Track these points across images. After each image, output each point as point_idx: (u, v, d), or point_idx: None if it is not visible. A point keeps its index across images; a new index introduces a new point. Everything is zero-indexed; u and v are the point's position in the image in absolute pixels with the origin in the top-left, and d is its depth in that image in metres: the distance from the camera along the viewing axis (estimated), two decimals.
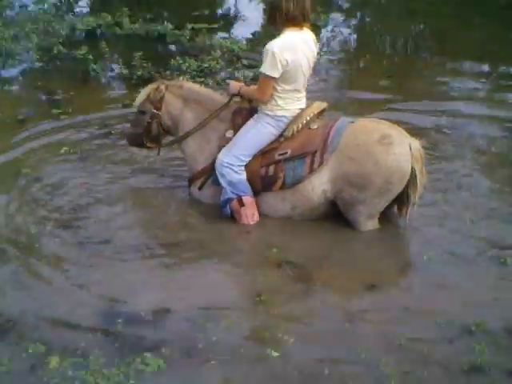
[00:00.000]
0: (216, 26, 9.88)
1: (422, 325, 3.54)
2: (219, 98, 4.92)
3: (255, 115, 4.48)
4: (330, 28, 10.18)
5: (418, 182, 4.30)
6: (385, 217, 4.51)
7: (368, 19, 11.70)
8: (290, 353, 3.31)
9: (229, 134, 4.61)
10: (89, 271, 3.99)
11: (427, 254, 4.20)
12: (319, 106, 4.55)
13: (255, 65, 7.99)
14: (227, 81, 5.13)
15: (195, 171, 4.79)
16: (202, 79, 7.30)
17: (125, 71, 7.54)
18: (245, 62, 8.19)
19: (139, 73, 7.51)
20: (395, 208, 4.54)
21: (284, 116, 4.41)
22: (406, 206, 4.42)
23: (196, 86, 5.07)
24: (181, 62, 7.94)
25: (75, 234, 4.41)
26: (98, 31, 9.26)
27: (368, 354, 3.28)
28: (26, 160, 5.50)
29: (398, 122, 4.69)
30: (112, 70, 7.66)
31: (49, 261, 4.08)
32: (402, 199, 4.41)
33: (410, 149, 4.28)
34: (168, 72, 7.58)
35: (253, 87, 4.62)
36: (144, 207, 4.86)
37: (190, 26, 9.49)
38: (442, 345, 3.37)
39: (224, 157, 4.46)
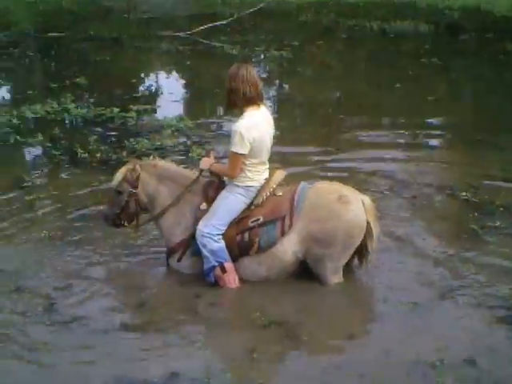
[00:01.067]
0: (152, 106, 10.50)
1: (397, 366, 4.03)
2: (190, 173, 5.34)
3: (227, 187, 4.94)
4: None
5: (373, 232, 4.88)
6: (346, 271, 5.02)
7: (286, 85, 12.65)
8: None
9: (203, 206, 5.01)
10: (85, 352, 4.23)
11: (392, 302, 4.73)
12: (281, 174, 5.07)
13: (204, 142, 8.62)
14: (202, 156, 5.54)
15: (173, 244, 5.13)
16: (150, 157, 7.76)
17: (84, 155, 7.95)
18: (194, 138, 8.77)
19: (98, 155, 7.94)
20: (353, 262, 5.08)
21: (253, 186, 4.89)
22: (364, 256, 4.97)
23: (168, 164, 5.46)
24: (134, 143, 8.45)
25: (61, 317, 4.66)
26: (48, 118, 9.66)
27: None
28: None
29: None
30: (72, 154, 8.04)
31: (44, 347, 4.28)
32: (360, 251, 4.96)
33: (363, 204, 4.88)
34: (124, 153, 8.05)
35: (222, 165, 5.10)
36: (126, 286, 5.16)
37: (134, 107, 10.09)
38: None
39: (204, 227, 4.86)
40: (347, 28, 16.96)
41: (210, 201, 5.01)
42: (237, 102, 4.76)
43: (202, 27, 16.09)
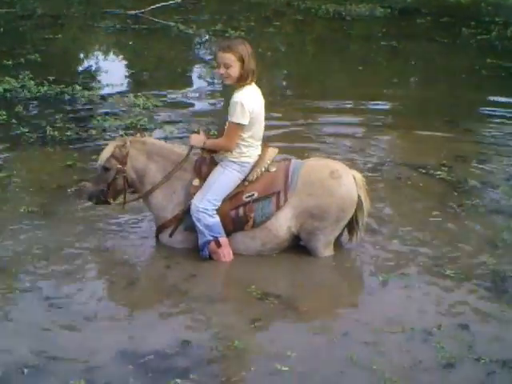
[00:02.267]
0: (115, 84, 10.48)
1: (394, 332, 4.30)
2: (179, 150, 5.45)
3: (221, 163, 5.09)
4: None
5: (363, 206, 5.14)
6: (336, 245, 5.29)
7: None
8: (297, 366, 3.92)
9: (195, 182, 5.15)
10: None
11: (382, 273, 5.00)
12: (274, 151, 5.26)
13: (176, 120, 8.71)
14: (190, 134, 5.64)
15: (164, 220, 5.26)
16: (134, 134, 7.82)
17: (53, 133, 7.92)
18: (164, 117, 8.85)
19: (68, 133, 7.94)
20: (343, 236, 5.35)
21: (247, 162, 5.07)
22: (355, 230, 5.24)
23: (157, 141, 5.60)
24: (102, 121, 8.47)
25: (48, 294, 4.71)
26: (8, 96, 9.54)
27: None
28: None
29: None
30: (41, 132, 8.00)
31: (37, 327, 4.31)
32: (352, 225, 5.22)
33: (354, 179, 5.12)
34: (94, 131, 8.08)
35: (216, 139, 5.25)
36: (114, 262, 5.23)
37: (96, 85, 10.07)
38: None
39: (199, 203, 5.01)
40: (302, 9, 17.14)
41: (203, 177, 5.15)
42: (247, 77, 4.91)
43: (154, 6, 15.99)
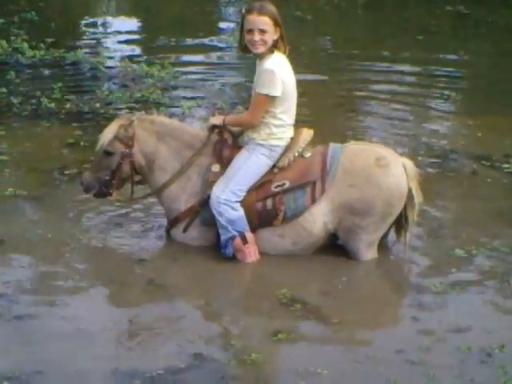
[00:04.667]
0: (123, 50, 10.63)
1: (446, 351, 4.33)
2: (193, 130, 5.57)
3: (247, 146, 5.15)
4: None
5: (415, 201, 5.17)
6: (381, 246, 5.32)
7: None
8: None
9: (215, 168, 5.21)
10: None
11: (434, 287, 4.98)
12: (309, 133, 5.27)
13: (194, 96, 8.82)
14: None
15: (177, 212, 5.31)
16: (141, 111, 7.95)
17: (49, 105, 8.07)
18: (181, 91, 8.97)
19: (67, 106, 8.09)
20: (388, 236, 5.39)
21: (278, 146, 5.11)
22: (404, 228, 5.26)
23: (168, 120, 5.67)
24: (107, 93, 8.61)
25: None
26: None
27: None
28: None
29: None
30: (35, 104, 8.15)
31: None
32: (400, 222, 5.25)
33: (405, 168, 5.16)
34: (98, 105, 8.22)
35: (237, 115, 5.35)
36: (122, 259, 5.33)
37: (104, 51, 10.23)
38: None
39: (220, 193, 5.05)
40: None
41: (225, 162, 5.21)
42: (283, 44, 5.03)
43: None
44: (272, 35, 4.95)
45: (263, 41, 4.94)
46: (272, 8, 4.98)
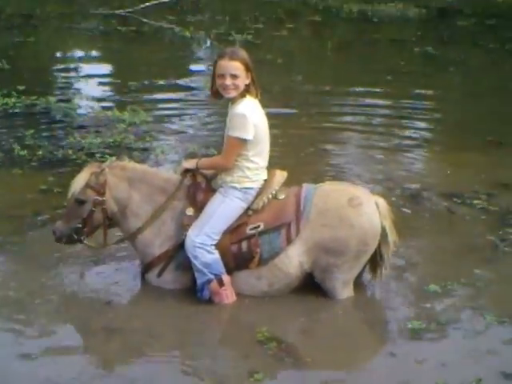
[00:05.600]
0: (95, 96, 10.70)
1: None
2: (165, 174, 5.60)
3: (221, 189, 5.19)
4: None
5: (389, 239, 5.24)
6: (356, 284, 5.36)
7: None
8: None
9: (189, 212, 5.23)
10: None
11: (409, 323, 5.01)
12: (282, 174, 5.33)
13: (165, 138, 8.90)
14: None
15: (152, 257, 5.33)
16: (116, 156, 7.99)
17: (22, 152, 8.09)
18: (153, 135, 9.03)
19: (39, 153, 8.10)
20: (363, 274, 5.44)
21: (252, 188, 5.16)
22: (379, 266, 5.33)
23: (139, 166, 5.69)
24: (79, 138, 8.65)
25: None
26: None
27: None
28: None
29: None
30: (7, 151, 8.17)
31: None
32: (375, 260, 5.31)
33: (377, 206, 5.23)
34: (70, 151, 8.24)
35: (210, 158, 5.41)
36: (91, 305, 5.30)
37: (73, 97, 10.29)
38: None
39: (195, 237, 5.07)
40: (321, 9, 17.42)
41: (199, 206, 5.24)
42: (254, 89, 5.10)
43: (144, 5, 16.26)
44: (243, 80, 5.03)
45: (235, 85, 5.01)
46: (243, 53, 5.07)
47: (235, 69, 4.98)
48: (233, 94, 5.05)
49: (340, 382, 4.42)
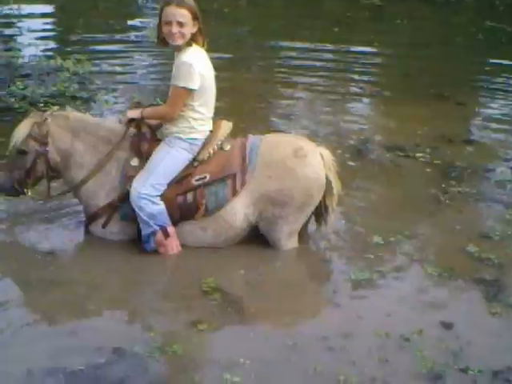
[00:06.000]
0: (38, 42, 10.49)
1: (366, 337, 4.45)
2: (109, 124, 5.53)
3: (166, 140, 5.15)
4: None
5: (333, 190, 5.29)
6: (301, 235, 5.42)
7: None
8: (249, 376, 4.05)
9: (134, 162, 5.20)
10: None
11: (353, 274, 5.10)
12: (228, 125, 5.31)
13: (109, 88, 8.78)
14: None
15: (96, 208, 5.29)
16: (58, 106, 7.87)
17: None
18: (97, 84, 8.90)
19: None
20: (308, 225, 5.50)
21: (197, 139, 5.13)
22: (324, 218, 5.39)
23: (82, 115, 5.60)
24: (22, 87, 8.48)
25: None
26: None
27: None
28: None
29: None
30: None
31: None
32: (320, 211, 5.36)
33: (322, 157, 5.26)
34: (13, 99, 8.09)
35: (154, 107, 5.35)
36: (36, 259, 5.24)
37: (16, 45, 10.06)
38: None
39: (141, 188, 5.04)
40: None
41: (144, 156, 5.21)
42: (201, 37, 5.03)
43: None
44: (190, 28, 4.95)
45: (181, 33, 4.93)
46: (191, 1, 4.97)
47: (182, 16, 4.91)
48: (179, 41, 4.97)
49: (284, 332, 4.46)
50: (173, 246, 5.19)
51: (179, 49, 5.04)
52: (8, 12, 12.69)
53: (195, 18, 4.96)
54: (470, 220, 6.04)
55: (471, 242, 5.55)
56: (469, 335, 4.46)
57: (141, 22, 12.72)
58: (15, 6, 13.03)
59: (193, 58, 4.95)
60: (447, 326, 4.55)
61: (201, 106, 5.08)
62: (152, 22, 12.13)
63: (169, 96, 5.11)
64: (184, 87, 4.95)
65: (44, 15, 12.71)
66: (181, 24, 4.92)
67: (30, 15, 12.57)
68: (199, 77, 4.95)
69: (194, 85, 4.94)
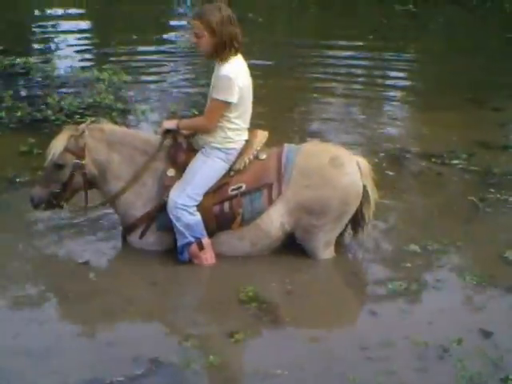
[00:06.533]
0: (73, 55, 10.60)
1: (405, 347, 4.41)
2: (144, 135, 5.58)
3: (203, 150, 5.16)
4: None
5: (370, 198, 5.25)
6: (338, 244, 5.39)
7: None
8: None
9: (170, 173, 5.21)
10: None
11: (390, 283, 5.05)
12: (264, 135, 5.31)
13: (146, 99, 8.84)
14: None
15: (133, 219, 5.30)
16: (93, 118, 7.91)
17: (0, 114, 7.99)
18: (133, 95, 8.96)
19: (18, 114, 8.01)
20: (345, 234, 5.47)
21: (234, 148, 5.13)
22: (360, 227, 5.37)
23: (117, 127, 5.67)
24: (58, 99, 8.56)
25: None
26: None
27: None
28: None
29: None
30: None
31: None
32: (356, 220, 5.34)
33: (359, 166, 5.23)
34: (49, 112, 8.17)
35: (191, 119, 5.38)
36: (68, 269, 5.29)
37: (52, 56, 10.17)
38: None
39: (177, 198, 5.06)
40: None
41: (180, 166, 5.22)
42: (223, 50, 4.95)
43: None
44: (207, 40, 4.94)
45: (198, 44, 5.00)
46: (210, 12, 4.91)
47: (196, 28, 4.96)
48: (201, 51, 5.06)
49: (320, 341, 4.44)
50: (207, 257, 5.19)
51: (219, 60, 5.03)
52: (46, 28, 12.80)
53: (210, 30, 4.92)
54: (509, 227, 5.96)
55: (510, 249, 5.47)
56: (509, 344, 4.41)
57: (175, 34, 12.77)
58: (52, 22, 13.16)
59: (233, 71, 4.96)
60: (487, 334, 4.50)
61: (237, 117, 5.09)
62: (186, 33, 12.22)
63: (207, 107, 5.13)
64: (223, 100, 4.96)
65: (81, 31, 12.80)
66: (196, 35, 4.98)
67: (67, 31, 12.67)
68: (238, 90, 4.95)
69: (233, 98, 4.95)
